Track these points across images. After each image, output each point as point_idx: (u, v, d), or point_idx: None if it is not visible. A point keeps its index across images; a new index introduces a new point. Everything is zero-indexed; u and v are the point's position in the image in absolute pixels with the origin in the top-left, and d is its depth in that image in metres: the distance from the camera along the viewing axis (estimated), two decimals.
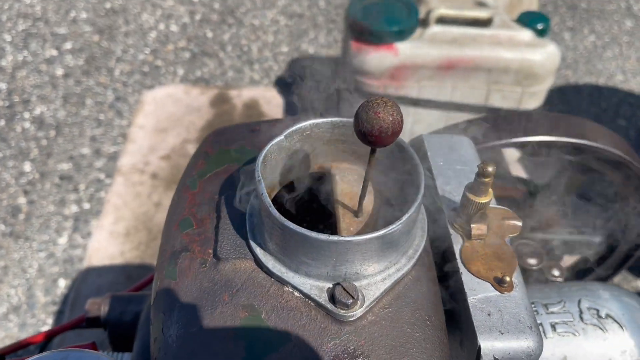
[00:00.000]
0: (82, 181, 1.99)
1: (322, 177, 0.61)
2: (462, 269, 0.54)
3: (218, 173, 0.63)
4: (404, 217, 0.49)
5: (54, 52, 2.41)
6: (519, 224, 0.58)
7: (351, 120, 0.57)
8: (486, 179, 0.53)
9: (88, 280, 1.73)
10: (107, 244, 1.82)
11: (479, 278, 0.54)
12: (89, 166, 2.03)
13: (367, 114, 0.45)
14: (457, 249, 0.56)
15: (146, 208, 1.91)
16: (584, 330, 0.72)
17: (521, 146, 0.83)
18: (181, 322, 0.51)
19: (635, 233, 0.96)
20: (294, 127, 0.56)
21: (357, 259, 0.49)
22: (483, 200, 0.54)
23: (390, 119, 0.45)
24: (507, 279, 0.53)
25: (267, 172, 0.56)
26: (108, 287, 1.71)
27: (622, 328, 0.72)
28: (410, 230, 0.52)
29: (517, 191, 1.00)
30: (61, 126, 2.14)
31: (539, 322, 0.73)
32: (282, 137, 0.55)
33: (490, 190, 0.54)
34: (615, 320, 0.73)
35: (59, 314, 1.65)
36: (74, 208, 1.92)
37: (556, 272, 0.88)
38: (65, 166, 2.03)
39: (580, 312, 0.73)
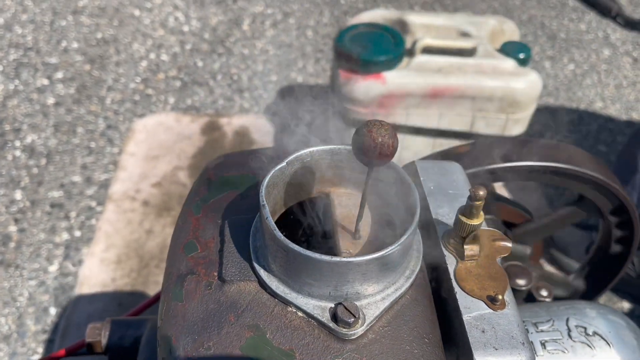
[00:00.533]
0: (73, 209, 2.00)
1: (322, 202, 0.64)
2: (456, 288, 0.57)
3: (221, 199, 0.66)
4: (402, 239, 0.52)
5: (45, 82, 2.43)
6: (509, 245, 0.61)
7: (348, 147, 0.60)
8: (477, 202, 0.56)
9: (79, 308, 1.73)
10: (99, 271, 1.82)
11: (473, 297, 0.56)
12: (80, 194, 2.04)
13: (363, 133, 0.48)
14: (451, 269, 0.59)
15: (137, 235, 1.92)
16: (572, 347, 0.75)
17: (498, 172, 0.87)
18: (189, 343, 0.53)
19: (616, 256, 1.00)
20: (295, 155, 0.59)
21: (358, 279, 0.52)
22: (475, 222, 0.57)
23: (384, 139, 0.48)
24: (500, 297, 0.55)
25: (270, 197, 0.58)
26: (99, 314, 1.71)
27: (609, 345, 0.75)
28: (407, 251, 0.55)
29: (521, 216, 1.03)
30: (52, 154, 2.16)
31: (529, 340, 0.75)
32: (284, 163, 0.58)
33: (481, 213, 0.57)
34: (602, 338, 0.75)
35: (49, 343, 1.64)
36: (65, 236, 1.92)
37: (544, 293, 0.91)
38: (56, 194, 2.03)
39: (569, 330, 0.76)
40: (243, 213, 0.63)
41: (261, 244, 0.57)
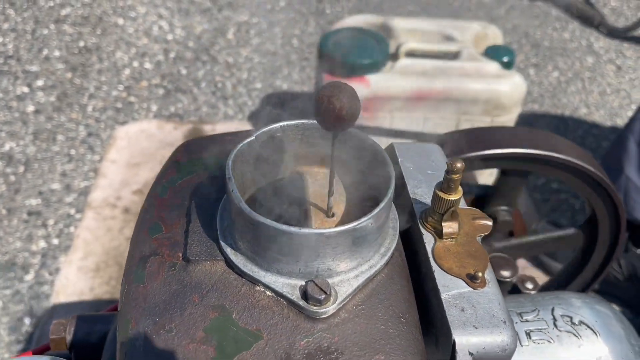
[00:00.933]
0: (51, 217, 1.95)
1: (294, 181, 0.61)
2: (434, 266, 0.54)
3: (188, 180, 0.63)
4: (375, 211, 0.49)
5: (25, 89, 2.39)
6: (489, 223, 0.59)
7: None
8: (455, 176, 0.53)
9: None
10: (76, 280, 1.77)
11: (452, 275, 0.54)
12: (59, 201, 2.00)
13: (322, 96, 0.46)
14: (429, 248, 0.56)
15: (117, 242, 1.87)
16: (558, 337, 0.72)
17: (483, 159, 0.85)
18: (149, 325, 0.50)
19: (605, 243, 0.98)
20: (265, 129, 0.56)
21: (329, 253, 0.49)
22: (453, 197, 0.55)
23: (343, 102, 0.45)
24: (480, 274, 0.53)
25: (238, 174, 0.55)
26: None
27: (595, 334, 0.72)
28: (382, 227, 0.52)
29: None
30: (30, 162, 2.11)
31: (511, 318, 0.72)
32: (252, 137, 0.55)
33: (459, 188, 0.55)
34: (588, 327, 0.73)
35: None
36: (42, 244, 1.87)
37: (530, 285, 0.88)
38: (33, 202, 1.99)
39: (554, 319, 0.73)
40: (211, 194, 0.60)
41: (229, 222, 0.54)
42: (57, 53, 2.58)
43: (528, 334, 0.72)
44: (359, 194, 0.58)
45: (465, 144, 0.83)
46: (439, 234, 0.57)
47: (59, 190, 2.04)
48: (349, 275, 0.51)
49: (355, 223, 0.48)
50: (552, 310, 0.75)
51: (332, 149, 0.51)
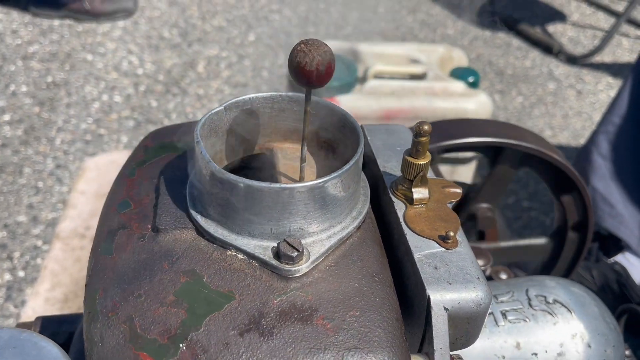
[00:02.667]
0: (17, 249, 1.89)
1: (265, 156, 0.61)
2: (406, 230, 0.54)
3: (157, 161, 0.62)
4: (344, 168, 0.49)
5: None
6: (459, 190, 0.59)
7: (290, 94, 0.58)
8: (423, 139, 0.54)
9: None
10: (43, 311, 1.71)
11: (424, 237, 0.54)
12: (25, 233, 1.94)
13: (299, 50, 0.46)
14: (400, 214, 0.56)
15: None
16: (533, 316, 0.72)
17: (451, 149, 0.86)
18: (117, 293, 0.48)
19: (575, 233, 0.99)
20: (234, 100, 0.56)
21: (300, 211, 0.49)
22: (422, 161, 0.55)
23: (320, 55, 0.46)
24: (451, 234, 0.53)
25: (208, 144, 0.55)
26: None
27: (570, 312, 0.72)
28: (352, 188, 0.52)
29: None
30: None
31: (489, 311, 0.72)
32: (221, 107, 0.56)
33: (427, 152, 0.56)
34: (562, 305, 0.73)
35: None
36: (7, 277, 1.81)
37: (504, 276, 0.89)
38: None
39: (529, 299, 0.73)
40: (181, 172, 0.59)
41: (198, 191, 0.53)
42: (24, 88, 2.56)
43: (504, 314, 0.72)
44: (329, 164, 0.58)
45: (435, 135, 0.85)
46: (409, 200, 0.57)
47: (26, 222, 1.99)
48: (321, 236, 0.51)
49: (325, 178, 0.48)
50: (527, 291, 0.75)
51: (305, 108, 0.51)
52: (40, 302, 1.73)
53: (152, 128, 2.40)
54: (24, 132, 2.34)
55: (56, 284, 1.79)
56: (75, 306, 1.72)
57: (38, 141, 2.31)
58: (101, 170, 2.21)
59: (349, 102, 1.77)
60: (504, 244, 1.19)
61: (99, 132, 2.39)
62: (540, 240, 1.15)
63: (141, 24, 3.07)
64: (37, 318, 0.74)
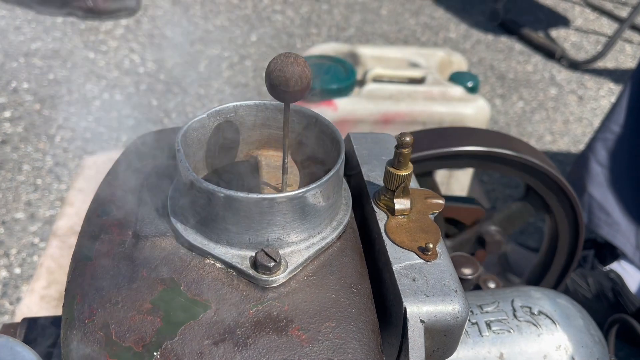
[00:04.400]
0: (14, 246, 1.90)
1: (249, 164, 0.61)
2: (386, 240, 0.54)
3: (141, 167, 0.62)
4: (324, 179, 0.49)
5: None
6: (442, 202, 0.59)
7: (274, 103, 0.58)
8: (405, 150, 0.54)
9: None
10: (38, 309, 1.71)
11: (403, 248, 0.54)
12: (23, 230, 1.95)
13: (275, 65, 0.46)
14: (381, 224, 0.56)
15: None
16: (518, 327, 0.72)
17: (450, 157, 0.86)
18: (95, 299, 0.49)
19: (566, 243, 0.99)
20: (217, 108, 0.57)
21: (279, 222, 0.49)
22: (404, 172, 0.55)
23: (296, 70, 0.46)
24: (431, 246, 0.53)
25: (190, 154, 0.55)
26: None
27: (554, 324, 0.72)
28: (332, 198, 0.52)
29: (478, 212, 1.02)
30: None
31: (474, 321, 0.72)
32: (204, 115, 0.56)
33: (410, 164, 0.56)
34: (547, 317, 0.73)
35: None
36: (3, 273, 1.81)
37: (492, 285, 0.89)
38: None
39: (514, 310, 0.73)
40: (164, 179, 0.60)
41: (179, 198, 0.53)
42: (25, 85, 2.57)
43: (488, 325, 0.72)
44: (313, 171, 0.59)
45: (427, 142, 0.85)
46: (391, 211, 0.57)
47: (23, 219, 2.00)
48: (299, 246, 0.51)
49: (303, 189, 0.48)
50: (512, 301, 0.75)
51: (284, 122, 0.51)
52: (35, 300, 1.73)
53: (152, 127, 2.40)
54: (24, 129, 2.35)
55: (52, 281, 1.79)
56: None
57: (38, 138, 2.32)
58: (100, 169, 2.22)
59: (347, 105, 1.77)
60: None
61: (98, 130, 2.39)
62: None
63: (144, 22, 3.08)
64: (24, 319, 0.74)
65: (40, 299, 1.74)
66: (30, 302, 1.73)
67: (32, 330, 0.74)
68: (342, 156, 0.52)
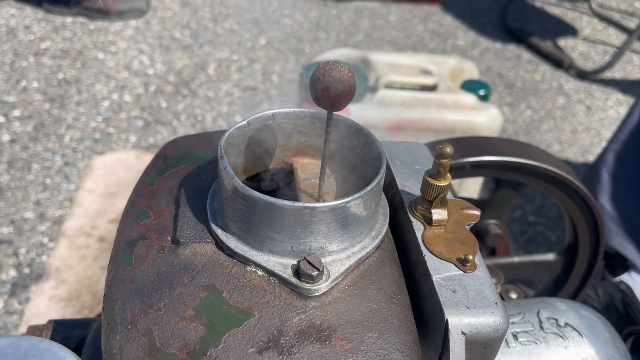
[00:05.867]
0: (23, 245, 1.90)
1: (285, 171, 0.61)
2: (425, 251, 0.54)
3: (177, 171, 0.62)
4: (366, 189, 0.49)
5: (1, 119, 2.37)
6: (478, 213, 0.59)
7: (312, 110, 0.59)
8: (445, 160, 0.54)
9: None
10: (47, 309, 1.71)
11: (442, 259, 0.54)
12: (32, 230, 1.95)
13: (320, 74, 0.46)
14: (419, 234, 0.56)
15: (92, 272, 1.83)
16: (544, 338, 0.72)
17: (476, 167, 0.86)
18: (137, 305, 0.49)
19: (586, 249, 0.99)
20: (257, 114, 0.57)
21: (321, 231, 0.49)
22: (442, 183, 0.55)
23: (341, 78, 0.46)
24: (470, 257, 0.53)
25: (230, 158, 0.55)
26: None
27: (581, 336, 0.72)
28: (372, 209, 0.52)
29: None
30: (3, 190, 2.07)
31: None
32: (244, 122, 0.56)
33: (448, 174, 0.56)
34: (574, 329, 0.73)
35: None
36: (12, 273, 1.81)
37: (514, 295, 0.89)
38: (5, 230, 1.93)
39: (540, 321, 0.73)
40: (201, 183, 0.60)
41: (219, 205, 0.53)
42: (35, 84, 2.57)
43: (515, 336, 0.72)
44: (351, 182, 0.59)
45: (457, 150, 0.85)
46: (428, 221, 0.57)
47: (32, 218, 1.99)
48: (340, 255, 0.51)
49: (347, 199, 0.48)
50: (538, 313, 0.75)
51: (326, 130, 0.51)
52: (44, 300, 1.73)
53: (161, 128, 2.41)
54: (33, 128, 2.35)
55: (61, 282, 1.79)
56: (79, 305, 1.72)
57: (47, 138, 2.32)
58: (109, 169, 2.22)
59: (360, 111, 1.77)
60: (516, 259, 1.19)
61: (107, 130, 2.39)
62: (550, 257, 1.16)
63: (153, 24, 3.09)
64: (49, 321, 0.74)
65: (49, 299, 1.74)
66: (38, 303, 1.72)
67: (58, 333, 0.74)
68: (384, 166, 0.52)
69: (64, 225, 1.95)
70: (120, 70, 2.74)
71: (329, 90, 0.47)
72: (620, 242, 1.68)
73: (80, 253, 1.88)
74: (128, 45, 2.90)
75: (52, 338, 0.73)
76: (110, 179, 2.17)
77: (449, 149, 0.54)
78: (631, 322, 1.63)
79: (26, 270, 1.83)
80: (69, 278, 1.81)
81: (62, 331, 0.74)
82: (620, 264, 1.72)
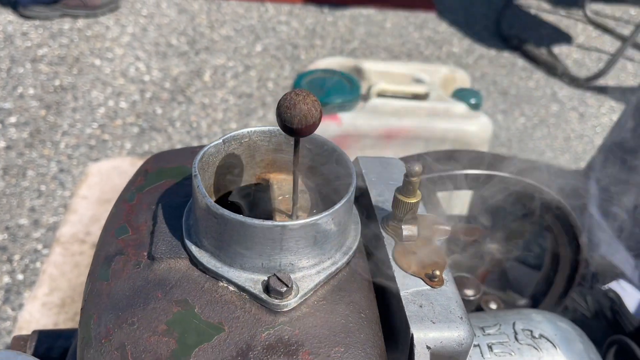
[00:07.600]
0: (17, 252, 1.91)
1: (260, 188, 0.63)
2: (394, 266, 0.56)
3: (156, 187, 0.64)
4: (336, 206, 0.51)
5: None
6: (448, 228, 0.61)
7: None
8: (414, 179, 0.56)
9: None
10: (40, 316, 1.72)
11: (411, 274, 0.55)
12: (26, 237, 1.96)
13: (285, 103, 0.48)
14: (389, 250, 0.58)
15: (85, 278, 1.84)
16: (519, 350, 0.73)
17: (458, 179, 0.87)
18: (111, 320, 0.50)
19: (567, 262, 1.00)
20: (232, 133, 0.58)
21: (292, 248, 0.50)
22: (412, 200, 0.57)
23: (306, 108, 0.48)
24: (438, 273, 0.54)
25: (206, 176, 0.57)
26: None
27: (555, 347, 0.74)
28: (343, 225, 0.54)
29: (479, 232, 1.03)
30: None
31: (476, 343, 0.73)
32: (219, 141, 0.57)
33: (418, 191, 0.57)
34: (548, 340, 0.74)
35: None
36: (5, 279, 1.82)
37: (493, 305, 0.90)
38: None
39: (515, 333, 0.75)
40: (178, 199, 0.61)
41: (193, 221, 0.55)
42: (31, 91, 2.59)
43: (490, 347, 0.73)
44: (327, 197, 0.60)
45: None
46: (399, 236, 0.59)
47: (27, 225, 2.01)
48: (311, 271, 0.52)
49: (317, 217, 0.50)
50: (514, 324, 0.76)
51: (294, 155, 0.53)
52: (37, 307, 1.75)
53: (156, 135, 2.42)
54: (29, 134, 2.37)
55: (54, 288, 1.81)
56: (72, 311, 1.74)
57: (43, 144, 2.34)
58: (104, 176, 2.23)
59: (351, 120, 1.79)
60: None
61: (103, 137, 2.41)
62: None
63: (150, 30, 3.11)
64: (34, 332, 0.76)
65: (42, 305, 1.75)
66: (32, 309, 1.74)
67: (42, 343, 0.75)
68: (354, 184, 0.53)
69: (58, 231, 1.96)
70: (117, 76, 2.76)
71: (292, 120, 0.48)
72: (608, 249, 1.69)
73: (74, 260, 1.90)
74: (125, 51, 2.92)
75: (36, 348, 0.75)
76: (104, 185, 2.18)
77: (417, 167, 0.55)
78: (620, 330, 1.64)
79: (20, 277, 1.84)
80: (62, 285, 1.82)
81: (46, 341, 0.75)
82: (608, 272, 1.74)
